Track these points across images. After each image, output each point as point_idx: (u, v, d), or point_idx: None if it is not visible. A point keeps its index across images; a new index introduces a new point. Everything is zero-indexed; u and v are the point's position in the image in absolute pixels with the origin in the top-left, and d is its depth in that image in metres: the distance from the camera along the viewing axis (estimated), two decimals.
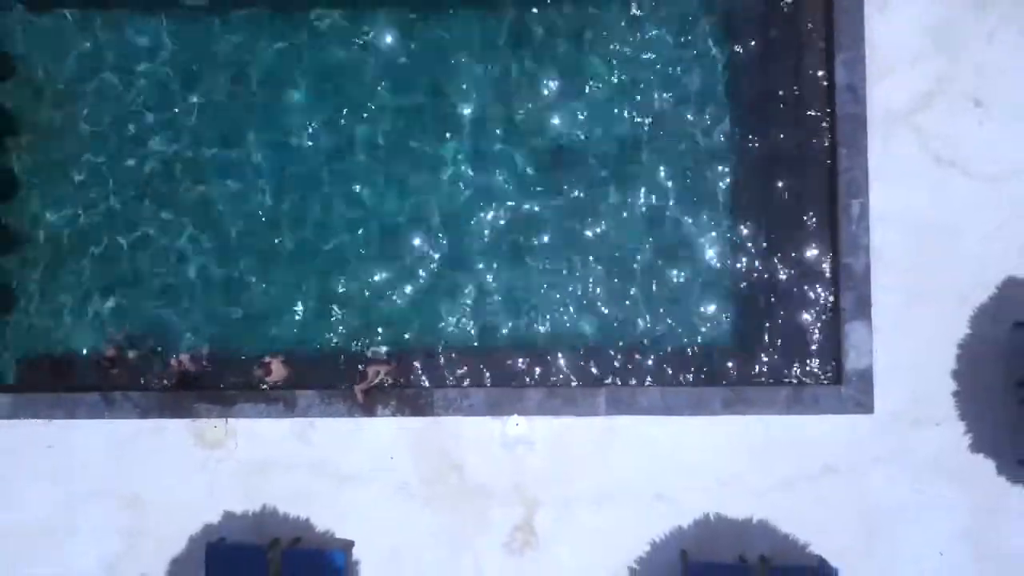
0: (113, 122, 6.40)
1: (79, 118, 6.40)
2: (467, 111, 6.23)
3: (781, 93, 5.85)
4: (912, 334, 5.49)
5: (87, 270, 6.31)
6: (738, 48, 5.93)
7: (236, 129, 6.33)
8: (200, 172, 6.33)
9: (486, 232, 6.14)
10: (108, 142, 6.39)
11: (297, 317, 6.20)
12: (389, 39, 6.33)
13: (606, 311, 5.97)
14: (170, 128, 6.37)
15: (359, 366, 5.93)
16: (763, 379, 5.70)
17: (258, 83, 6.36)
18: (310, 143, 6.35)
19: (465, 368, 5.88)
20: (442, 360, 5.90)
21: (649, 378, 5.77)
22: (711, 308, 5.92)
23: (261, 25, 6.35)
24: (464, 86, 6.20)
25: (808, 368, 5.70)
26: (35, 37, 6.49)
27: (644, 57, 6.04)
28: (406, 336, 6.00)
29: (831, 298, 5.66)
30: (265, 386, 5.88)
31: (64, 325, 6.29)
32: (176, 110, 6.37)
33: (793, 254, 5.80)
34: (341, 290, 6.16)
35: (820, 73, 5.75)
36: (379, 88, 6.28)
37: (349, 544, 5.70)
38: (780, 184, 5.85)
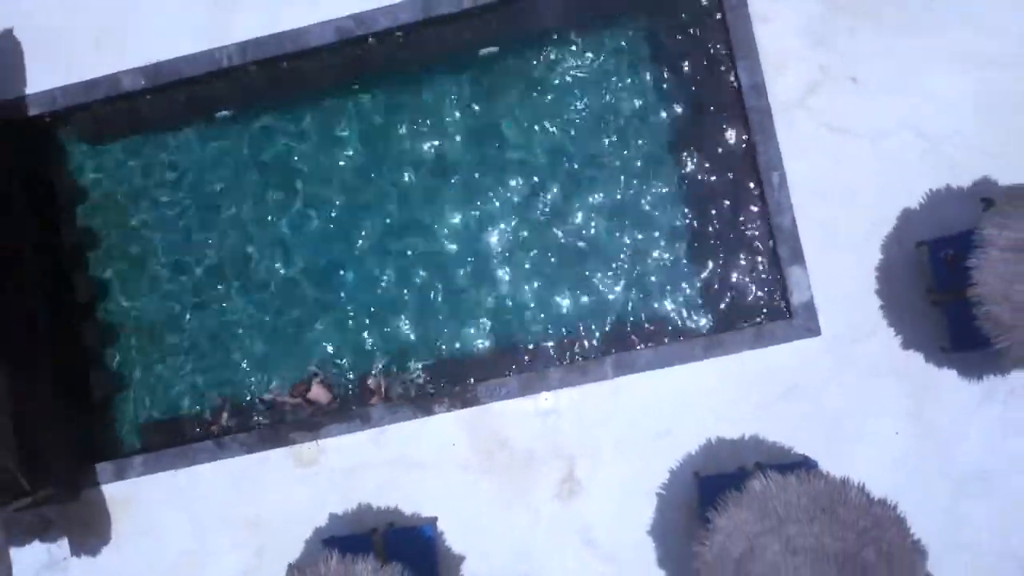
0: (174, 223, 7.86)
1: (147, 225, 7.85)
2: (457, 155, 7.66)
3: (703, 101, 7.32)
4: (839, 267, 6.86)
5: (179, 343, 7.74)
6: (663, 70, 7.40)
7: (274, 208, 7.77)
8: (250, 248, 7.78)
9: (493, 251, 7.57)
10: (172, 240, 7.85)
11: (350, 349, 7.65)
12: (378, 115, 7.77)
13: (601, 298, 7.40)
14: (218, 218, 7.81)
15: (368, 385, 7.35)
16: (731, 324, 7.15)
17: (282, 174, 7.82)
18: (331, 215, 7.77)
19: (498, 363, 7.34)
20: (479, 360, 7.35)
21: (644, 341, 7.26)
22: (681, 276, 7.34)
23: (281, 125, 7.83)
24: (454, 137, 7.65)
25: (764, 309, 7.15)
26: (96, 164, 7.96)
27: (594, 87, 7.50)
28: (443, 348, 7.45)
29: (771, 251, 7.09)
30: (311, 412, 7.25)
31: (169, 392, 7.73)
32: (221, 205, 7.82)
33: (736, 222, 7.25)
34: (384, 327, 7.60)
35: (729, 78, 7.23)
36: (390, 149, 7.67)
37: (433, 519, 7.08)
38: (716, 170, 7.31)
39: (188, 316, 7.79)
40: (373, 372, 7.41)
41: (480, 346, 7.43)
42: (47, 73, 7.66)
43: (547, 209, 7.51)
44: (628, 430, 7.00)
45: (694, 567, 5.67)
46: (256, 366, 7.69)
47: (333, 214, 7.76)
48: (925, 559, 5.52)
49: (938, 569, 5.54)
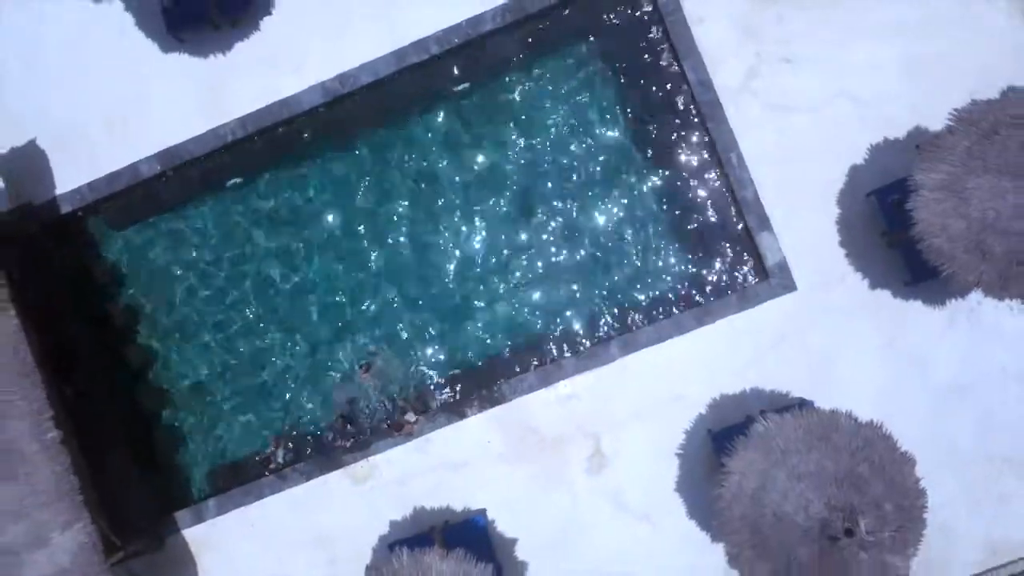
0: (205, 286, 8.66)
1: (181, 292, 8.65)
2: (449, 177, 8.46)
3: (661, 101, 8.14)
4: (802, 227, 7.69)
5: (227, 393, 8.52)
6: (618, 82, 8.22)
7: (294, 258, 8.56)
8: (279, 297, 8.60)
9: (493, 259, 8.35)
10: (206, 301, 8.65)
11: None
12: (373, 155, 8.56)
13: (597, 289, 8.20)
14: (245, 275, 8.62)
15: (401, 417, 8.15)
16: (717, 293, 7.96)
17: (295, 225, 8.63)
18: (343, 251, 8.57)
19: (517, 362, 8.14)
20: (502, 362, 8.16)
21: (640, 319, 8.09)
22: (666, 258, 8.14)
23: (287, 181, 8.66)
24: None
25: (744, 274, 7.96)
26: (127, 246, 8.76)
27: (558, 105, 8.32)
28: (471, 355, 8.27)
29: (741, 222, 7.91)
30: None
31: (227, 437, 8.52)
32: (245, 263, 8.62)
33: (705, 202, 8.07)
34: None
35: (681, 81, 8.03)
36: (403, 187, 8.46)
37: (482, 510, 7.86)
38: (681, 159, 8.14)
39: (232, 366, 8.57)
40: (407, 416, 8.19)
41: (496, 350, 8.23)
42: (72, 171, 8.45)
43: (537, 215, 8.31)
44: (642, 402, 7.80)
45: (717, 507, 6.49)
46: (300, 401, 8.48)
47: (344, 254, 8.57)
48: (914, 466, 6.34)
49: (929, 474, 6.35)
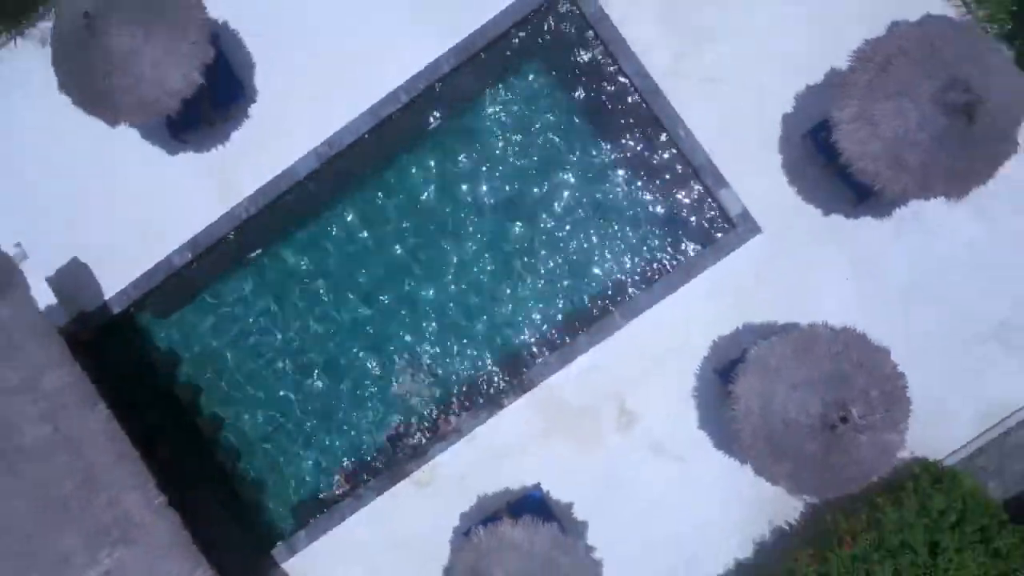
0: (252, 350, 9.72)
1: (233, 360, 9.72)
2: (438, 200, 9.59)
3: (608, 95, 9.23)
4: (754, 176, 8.76)
5: (292, 438, 9.59)
6: (568, 88, 9.30)
7: (321, 305, 9.67)
8: (321, 342, 9.68)
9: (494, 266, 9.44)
10: (256, 363, 9.72)
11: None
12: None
13: (595, 270, 9.28)
14: (286, 332, 9.69)
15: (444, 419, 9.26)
16: (695, 250, 9.04)
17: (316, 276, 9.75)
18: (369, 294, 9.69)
19: (537, 349, 9.23)
20: (524, 352, 9.23)
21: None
22: (646, 231, 9.22)
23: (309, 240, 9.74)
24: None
25: (714, 229, 9.03)
26: (175, 331, 9.86)
27: (520, 121, 9.42)
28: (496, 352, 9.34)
29: (700, 184, 9.00)
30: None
31: (301, 474, 9.58)
32: (283, 323, 9.69)
33: (665, 174, 9.15)
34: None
35: (621, 76, 9.14)
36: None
37: (537, 484, 8.89)
38: (634, 141, 9.23)
39: (292, 414, 9.62)
40: (450, 417, 9.27)
41: (517, 343, 9.30)
42: (114, 276, 9.52)
43: (527, 218, 9.37)
44: (652, 358, 8.83)
45: (733, 429, 7.53)
46: (356, 430, 9.52)
47: (365, 291, 9.65)
48: (888, 355, 7.39)
49: (909, 363, 7.38)
